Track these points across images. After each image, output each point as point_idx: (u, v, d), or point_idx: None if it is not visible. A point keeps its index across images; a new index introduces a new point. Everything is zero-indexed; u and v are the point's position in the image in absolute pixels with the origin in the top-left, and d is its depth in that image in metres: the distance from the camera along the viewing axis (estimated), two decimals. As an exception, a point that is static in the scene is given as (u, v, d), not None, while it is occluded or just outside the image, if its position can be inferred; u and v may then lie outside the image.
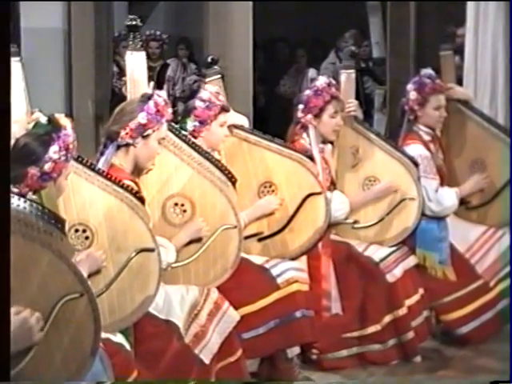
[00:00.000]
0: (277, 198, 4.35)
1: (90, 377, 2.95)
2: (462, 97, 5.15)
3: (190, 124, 4.15)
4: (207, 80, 4.43)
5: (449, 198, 4.87)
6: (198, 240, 3.92)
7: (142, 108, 3.66)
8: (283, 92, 9.80)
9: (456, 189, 4.93)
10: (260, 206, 4.35)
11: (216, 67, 4.51)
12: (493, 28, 5.74)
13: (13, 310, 2.56)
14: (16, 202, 2.61)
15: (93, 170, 3.42)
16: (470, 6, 5.84)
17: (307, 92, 4.60)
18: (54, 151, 3.01)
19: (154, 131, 3.68)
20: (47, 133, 3.04)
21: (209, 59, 4.58)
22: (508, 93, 5.71)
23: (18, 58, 3.22)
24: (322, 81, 4.64)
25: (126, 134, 3.65)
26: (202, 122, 4.15)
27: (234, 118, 4.46)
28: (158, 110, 3.68)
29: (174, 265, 3.81)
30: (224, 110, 4.21)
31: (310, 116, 4.57)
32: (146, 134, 3.67)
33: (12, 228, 2.58)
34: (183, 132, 4.05)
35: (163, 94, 3.79)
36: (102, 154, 3.69)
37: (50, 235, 2.63)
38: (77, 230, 3.34)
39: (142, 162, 3.74)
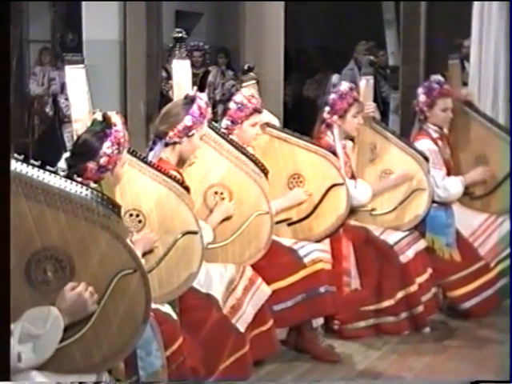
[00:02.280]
0: (305, 191, 4.33)
1: (141, 342, 2.97)
2: (470, 99, 5.12)
3: (224, 123, 4.13)
4: (244, 85, 4.41)
5: (454, 185, 4.84)
6: (229, 218, 3.91)
7: (187, 111, 3.65)
8: (309, 95, 9.77)
9: (461, 177, 4.90)
10: (291, 197, 4.33)
11: (252, 74, 4.49)
12: (495, 40, 5.71)
13: (69, 285, 2.57)
14: (79, 189, 2.61)
15: (145, 162, 3.42)
16: (474, 19, 5.78)
17: (333, 96, 4.57)
18: (107, 146, 3.01)
19: (197, 131, 3.69)
20: (102, 130, 3.05)
21: (245, 67, 4.57)
22: (508, 97, 5.69)
23: (82, 65, 3.22)
24: (345, 86, 4.61)
25: (174, 134, 3.65)
26: (234, 122, 4.13)
27: (267, 117, 4.45)
28: (201, 113, 3.67)
29: (213, 245, 3.81)
30: (256, 111, 4.17)
31: (335, 117, 4.55)
32: (190, 133, 3.67)
33: (76, 212, 2.60)
34: (222, 130, 4.05)
35: (204, 96, 3.78)
36: (151, 149, 3.69)
37: (108, 219, 2.63)
38: (131, 215, 3.36)
39: (185, 156, 3.73)
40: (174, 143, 3.67)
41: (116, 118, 3.09)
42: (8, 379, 2.34)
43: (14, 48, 10.83)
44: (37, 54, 9.87)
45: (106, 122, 3.06)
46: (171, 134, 3.64)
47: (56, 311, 2.51)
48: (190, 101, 3.69)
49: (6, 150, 2.31)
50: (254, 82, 4.44)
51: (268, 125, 4.38)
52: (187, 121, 3.64)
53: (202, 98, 3.72)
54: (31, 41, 10.90)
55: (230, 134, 4.08)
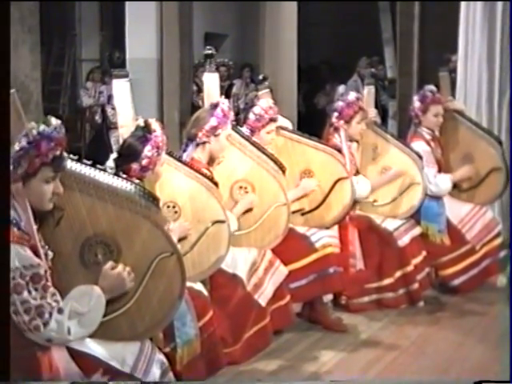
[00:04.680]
0: (315, 181, 4.29)
1: (177, 314, 2.98)
2: (457, 107, 5.09)
3: (244, 130, 4.06)
4: (260, 93, 4.38)
5: (444, 181, 4.79)
6: (251, 209, 3.87)
7: (212, 114, 3.63)
8: (319, 103, 9.74)
9: (450, 175, 4.85)
10: (303, 187, 4.28)
11: (266, 83, 4.45)
12: (478, 55, 5.70)
13: (109, 265, 2.56)
14: (124, 184, 2.61)
15: (180, 161, 3.42)
16: (460, 37, 5.77)
17: (341, 103, 4.50)
18: (148, 150, 3.01)
19: (222, 130, 3.66)
20: (143, 135, 3.04)
21: (260, 77, 4.56)
22: (490, 103, 5.68)
23: (127, 79, 3.22)
24: (352, 96, 4.54)
25: (203, 134, 3.63)
26: (252, 130, 4.08)
27: (282, 121, 4.42)
28: (224, 115, 3.65)
29: (239, 232, 3.78)
30: (272, 120, 4.12)
31: (342, 122, 4.49)
32: (217, 133, 3.65)
33: (121, 204, 2.60)
34: (246, 133, 4.03)
35: (226, 101, 3.75)
36: (184, 151, 3.67)
37: (149, 210, 2.63)
38: (168, 206, 3.35)
39: (215, 155, 3.71)
40: (204, 143, 3.65)
41: (156, 125, 3.08)
42: (8, 379, 2.19)
43: (68, 66, 10.90)
44: (88, 72, 9.93)
45: (147, 128, 3.05)
46: (200, 134, 3.63)
47: (98, 290, 2.50)
48: (214, 106, 3.67)
49: (5, 152, 2.19)
50: (267, 90, 4.41)
51: (282, 128, 4.35)
52: (213, 121, 3.62)
53: (224, 103, 3.70)
54: (83, 60, 10.96)
55: (249, 139, 4.06)
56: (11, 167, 2.34)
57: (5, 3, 2.13)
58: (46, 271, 2.40)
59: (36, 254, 2.37)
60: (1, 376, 2.11)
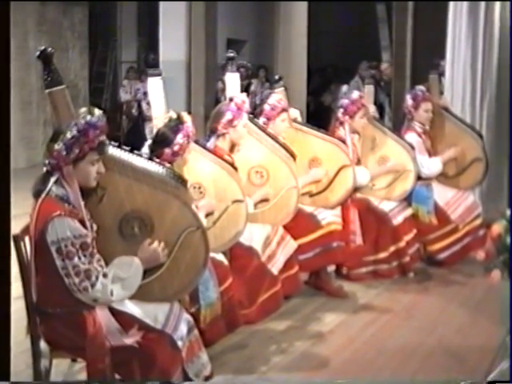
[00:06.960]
0: (323, 171, 4.25)
1: (202, 280, 2.96)
2: (445, 104, 5.03)
3: (261, 120, 4.02)
4: (276, 91, 4.33)
5: (435, 164, 4.76)
6: (267, 200, 3.83)
7: (228, 108, 3.60)
8: (325, 101, 9.65)
9: (440, 157, 4.81)
10: (312, 175, 4.23)
11: (281, 82, 4.41)
12: (463, 60, 5.66)
13: (147, 241, 2.55)
14: (157, 168, 2.60)
15: (205, 148, 3.40)
16: (448, 45, 5.74)
17: (346, 101, 4.44)
18: (180, 138, 2.99)
19: (238, 121, 3.61)
20: (176, 125, 3.03)
21: (276, 77, 4.50)
22: (473, 103, 5.60)
23: (160, 77, 3.20)
24: (356, 94, 4.48)
25: (222, 127, 3.59)
26: (268, 119, 4.04)
27: (291, 111, 4.36)
28: (238, 108, 3.60)
29: (255, 211, 3.74)
30: (284, 110, 4.08)
31: (347, 117, 4.43)
32: (234, 124, 3.60)
33: (155, 184, 2.58)
34: (262, 125, 3.99)
35: (239, 95, 3.67)
36: (207, 141, 3.63)
37: (178, 190, 2.61)
38: (194, 187, 3.32)
39: (235, 141, 3.66)
40: (223, 134, 3.62)
41: (187, 117, 3.09)
42: (8, 379, 2.07)
43: (110, 67, 10.92)
44: (126, 72, 9.95)
45: (180, 120, 3.04)
46: (219, 127, 3.59)
47: (137, 260, 2.51)
48: (229, 101, 3.63)
49: (5, 148, 2.08)
50: (282, 89, 4.35)
51: (295, 121, 4.30)
52: (228, 115, 3.58)
53: (238, 97, 3.64)
54: (123, 61, 10.98)
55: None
56: (64, 153, 2.36)
57: (5, 3, 1.96)
58: (92, 240, 2.44)
59: (83, 225, 2.41)
60: (1, 376, 1.97)
